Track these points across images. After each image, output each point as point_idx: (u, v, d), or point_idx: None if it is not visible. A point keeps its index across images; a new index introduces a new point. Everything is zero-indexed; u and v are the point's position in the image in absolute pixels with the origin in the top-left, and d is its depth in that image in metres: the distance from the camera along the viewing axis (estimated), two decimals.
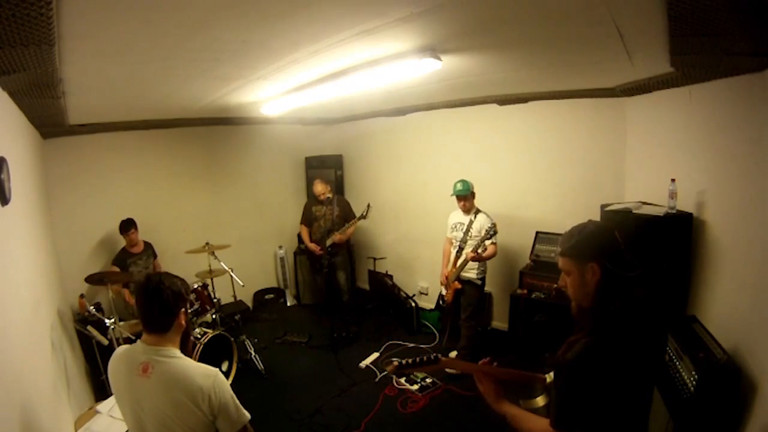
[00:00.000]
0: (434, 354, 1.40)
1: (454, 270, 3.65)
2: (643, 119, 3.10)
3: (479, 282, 3.61)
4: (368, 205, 4.24)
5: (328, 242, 4.44)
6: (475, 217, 3.59)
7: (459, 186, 3.59)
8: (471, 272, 3.59)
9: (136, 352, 1.40)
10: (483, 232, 3.45)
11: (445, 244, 3.85)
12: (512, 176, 4.11)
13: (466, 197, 3.57)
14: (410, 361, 1.39)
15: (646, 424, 1.33)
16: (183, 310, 1.44)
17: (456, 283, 3.64)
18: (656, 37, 1.69)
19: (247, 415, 1.44)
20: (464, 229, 3.60)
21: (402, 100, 4.32)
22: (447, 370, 3.39)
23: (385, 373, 3.66)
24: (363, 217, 4.25)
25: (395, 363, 1.39)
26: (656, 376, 1.78)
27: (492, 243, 3.44)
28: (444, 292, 3.80)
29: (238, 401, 1.43)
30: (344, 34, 1.80)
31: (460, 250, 3.62)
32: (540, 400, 1.44)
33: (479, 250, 3.42)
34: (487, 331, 4.30)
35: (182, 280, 1.48)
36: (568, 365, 1.18)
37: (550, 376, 1.47)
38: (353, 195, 5.66)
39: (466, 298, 3.66)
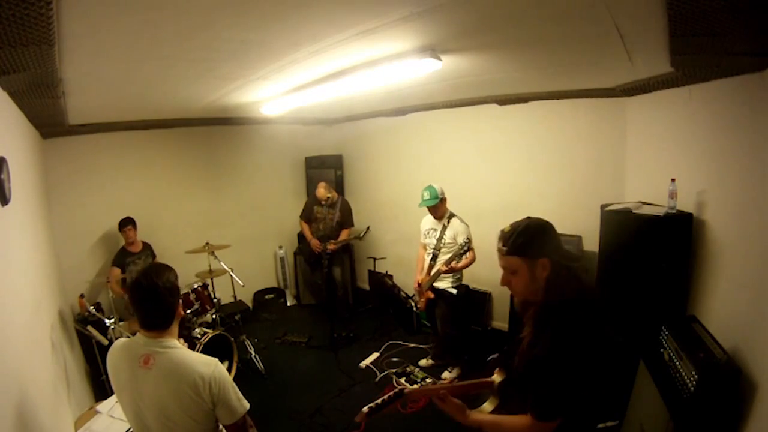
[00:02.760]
0: (399, 388, 1.36)
1: (427, 279, 3.48)
2: (643, 119, 3.10)
3: (454, 291, 3.43)
4: (367, 228, 4.53)
5: (322, 248, 4.50)
6: (448, 222, 3.38)
7: (426, 195, 3.34)
8: (445, 282, 3.43)
9: (136, 344, 1.41)
10: (458, 240, 3.29)
11: (419, 250, 3.71)
12: (512, 176, 4.10)
13: (435, 206, 3.36)
14: (378, 402, 1.32)
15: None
16: (180, 302, 1.46)
17: (429, 292, 3.49)
18: (656, 37, 1.69)
19: (247, 404, 1.46)
20: (437, 236, 3.43)
21: (402, 100, 4.32)
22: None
23: (386, 373, 3.66)
24: (359, 237, 4.50)
25: (365, 411, 1.30)
26: (610, 352, 1.85)
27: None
28: (417, 299, 3.67)
29: (238, 391, 1.45)
30: (344, 34, 1.80)
31: (434, 257, 3.44)
32: (487, 406, 1.44)
33: (453, 263, 3.26)
34: (487, 331, 4.30)
35: (171, 269, 1.46)
36: (542, 361, 1.21)
37: (496, 378, 1.48)
38: (353, 195, 5.66)
39: (440, 309, 3.52)
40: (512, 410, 1.36)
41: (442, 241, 3.40)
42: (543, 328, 1.26)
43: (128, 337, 2.97)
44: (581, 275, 1.29)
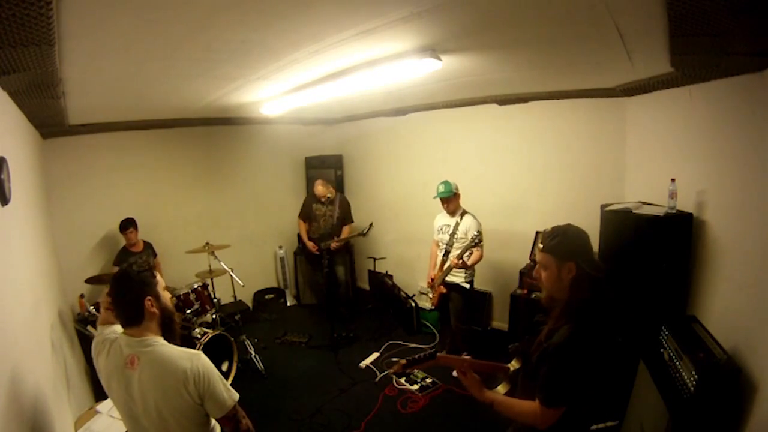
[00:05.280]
0: (433, 350, 1.51)
1: (440, 274, 3.57)
2: (643, 119, 3.10)
3: (467, 285, 3.52)
4: (371, 224, 4.32)
5: (324, 246, 4.43)
6: (461, 218, 3.50)
7: (441, 188, 3.48)
8: (458, 276, 3.51)
9: (119, 346, 1.42)
10: (469, 235, 3.38)
11: (431, 246, 3.79)
12: (512, 176, 4.11)
13: (449, 199, 3.49)
14: (414, 357, 1.55)
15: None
16: (150, 298, 1.43)
17: (441, 287, 3.56)
18: (656, 37, 1.69)
19: (236, 395, 1.44)
20: (450, 231, 3.52)
21: (402, 100, 4.32)
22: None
23: (386, 373, 3.66)
24: (362, 234, 4.31)
25: (402, 362, 1.53)
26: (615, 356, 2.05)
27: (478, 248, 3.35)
28: (430, 295, 3.76)
29: (226, 382, 1.43)
30: (344, 34, 1.80)
31: (447, 253, 3.54)
32: (501, 389, 1.57)
33: (464, 257, 3.33)
34: (487, 331, 4.30)
35: (152, 274, 1.51)
36: (555, 349, 1.33)
37: (513, 365, 1.61)
38: (353, 195, 5.66)
39: (453, 303, 3.57)
40: (520, 397, 1.48)
41: (455, 236, 3.49)
42: (562, 322, 1.39)
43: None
44: (604, 286, 1.40)
